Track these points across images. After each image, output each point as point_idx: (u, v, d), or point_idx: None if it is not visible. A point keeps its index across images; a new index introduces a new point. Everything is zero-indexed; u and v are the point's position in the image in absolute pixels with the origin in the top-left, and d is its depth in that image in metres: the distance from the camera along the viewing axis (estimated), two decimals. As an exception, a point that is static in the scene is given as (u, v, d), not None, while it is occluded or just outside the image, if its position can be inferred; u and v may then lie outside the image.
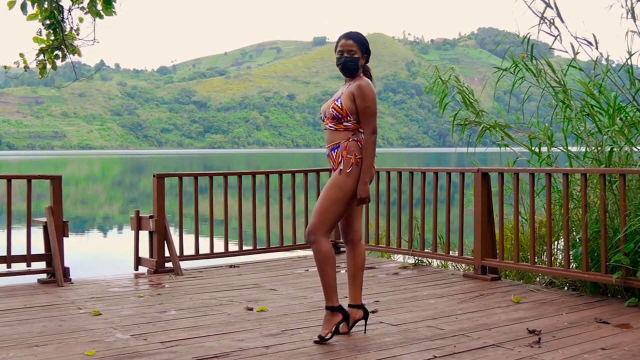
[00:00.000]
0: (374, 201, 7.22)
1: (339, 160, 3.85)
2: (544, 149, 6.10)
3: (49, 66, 6.36)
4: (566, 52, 5.90)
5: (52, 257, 5.73)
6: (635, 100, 5.60)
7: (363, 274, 4.05)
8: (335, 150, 3.88)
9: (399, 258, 7.33)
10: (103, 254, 11.80)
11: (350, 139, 3.85)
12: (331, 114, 3.89)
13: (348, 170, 3.81)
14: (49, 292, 5.36)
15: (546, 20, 5.86)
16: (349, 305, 4.03)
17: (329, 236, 3.88)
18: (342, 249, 7.45)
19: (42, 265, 5.86)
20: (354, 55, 3.93)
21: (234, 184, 7.14)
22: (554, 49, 6.00)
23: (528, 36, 5.95)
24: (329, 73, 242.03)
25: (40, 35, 6.28)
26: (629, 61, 5.65)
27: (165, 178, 6.44)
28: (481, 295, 5.18)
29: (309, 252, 7.85)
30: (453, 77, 6.69)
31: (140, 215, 6.45)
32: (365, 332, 4.01)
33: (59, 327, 4.21)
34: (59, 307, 4.81)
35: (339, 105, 3.86)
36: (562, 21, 5.85)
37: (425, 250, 6.57)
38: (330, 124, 3.91)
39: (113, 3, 6.17)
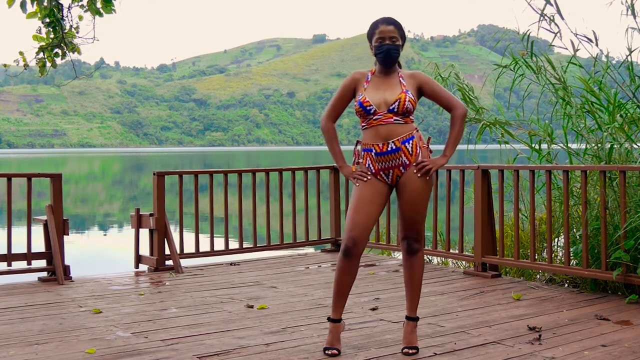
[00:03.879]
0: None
1: (417, 151, 3.60)
2: (544, 146, 6.10)
3: (48, 64, 6.36)
4: (566, 49, 5.90)
5: (53, 255, 5.73)
6: (636, 97, 5.60)
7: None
8: (410, 142, 3.57)
9: (400, 255, 7.33)
10: (103, 252, 11.81)
11: (417, 130, 3.68)
12: (407, 108, 3.59)
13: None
14: (49, 290, 5.36)
15: (546, 17, 5.85)
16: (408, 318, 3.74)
17: None
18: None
19: (42, 263, 5.86)
20: (396, 42, 3.61)
21: (234, 182, 7.14)
22: (554, 45, 6.00)
23: (528, 33, 5.94)
24: (328, 70, 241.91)
25: (40, 33, 6.28)
26: (629, 58, 5.65)
27: (166, 176, 6.44)
28: (481, 292, 5.18)
29: (309, 250, 7.86)
30: (453, 75, 6.68)
31: (140, 213, 6.45)
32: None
33: (59, 325, 4.22)
34: (60, 305, 4.82)
35: (413, 98, 3.62)
36: (562, 18, 5.84)
37: (426, 248, 6.56)
38: (396, 118, 3.59)
39: (112, 1, 6.17)
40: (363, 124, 3.64)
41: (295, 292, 5.28)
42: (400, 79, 3.65)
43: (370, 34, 3.68)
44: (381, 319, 4.32)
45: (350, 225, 3.55)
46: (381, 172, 3.58)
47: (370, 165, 3.60)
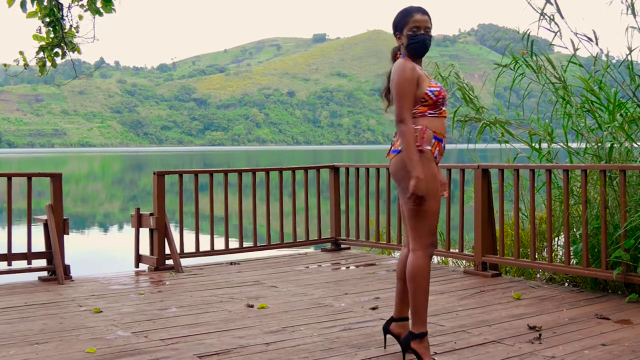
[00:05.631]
0: (373, 198, 7.23)
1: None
2: (544, 145, 6.10)
3: (48, 64, 6.37)
4: (566, 48, 5.90)
5: (53, 254, 5.73)
6: (636, 96, 5.60)
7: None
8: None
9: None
10: (103, 252, 11.81)
11: None
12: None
13: None
14: (49, 289, 5.37)
15: (546, 17, 5.86)
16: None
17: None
18: (342, 246, 7.46)
19: (42, 262, 5.86)
20: (429, 33, 3.46)
21: (234, 182, 7.14)
22: (554, 45, 6.00)
23: (528, 32, 5.94)
24: (329, 70, 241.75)
25: (40, 32, 6.29)
26: (629, 57, 5.65)
27: (166, 175, 6.44)
28: (482, 291, 5.18)
29: (309, 250, 7.86)
30: (453, 74, 6.68)
31: (140, 212, 6.45)
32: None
33: (59, 324, 4.22)
34: (60, 304, 4.82)
35: None
36: (562, 17, 5.84)
37: (426, 247, 6.55)
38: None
39: (112, 0, 6.17)
40: (431, 112, 3.31)
41: (295, 291, 5.28)
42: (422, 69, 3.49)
43: (401, 23, 3.41)
44: (381, 319, 4.31)
45: (434, 230, 3.34)
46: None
47: (437, 156, 3.34)
